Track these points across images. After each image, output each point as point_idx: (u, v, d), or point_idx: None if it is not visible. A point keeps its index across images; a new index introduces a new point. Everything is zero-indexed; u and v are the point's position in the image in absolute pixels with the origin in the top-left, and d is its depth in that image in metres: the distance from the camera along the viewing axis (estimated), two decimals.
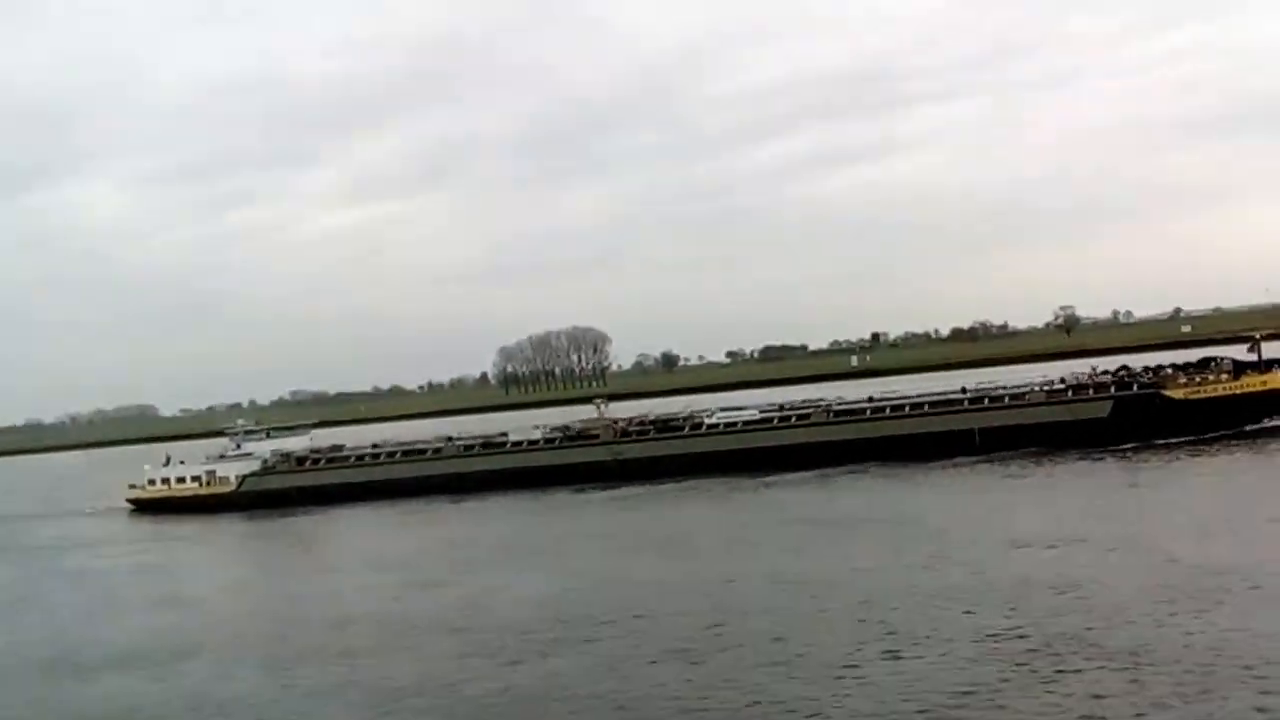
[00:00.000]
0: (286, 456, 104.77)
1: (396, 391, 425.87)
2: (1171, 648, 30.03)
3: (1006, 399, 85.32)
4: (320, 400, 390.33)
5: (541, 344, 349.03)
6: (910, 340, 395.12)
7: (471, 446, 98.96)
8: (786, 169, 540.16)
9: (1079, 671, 28.86)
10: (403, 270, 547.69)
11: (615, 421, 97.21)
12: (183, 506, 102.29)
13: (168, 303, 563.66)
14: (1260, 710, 25.18)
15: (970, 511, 58.12)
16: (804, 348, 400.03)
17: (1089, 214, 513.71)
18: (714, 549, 54.62)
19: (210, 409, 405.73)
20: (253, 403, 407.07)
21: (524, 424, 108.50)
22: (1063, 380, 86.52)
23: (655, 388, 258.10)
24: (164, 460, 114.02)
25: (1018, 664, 30.12)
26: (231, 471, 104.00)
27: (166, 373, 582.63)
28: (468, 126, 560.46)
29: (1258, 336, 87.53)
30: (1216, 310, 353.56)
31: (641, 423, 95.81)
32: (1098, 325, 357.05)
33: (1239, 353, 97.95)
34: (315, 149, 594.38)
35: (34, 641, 48.33)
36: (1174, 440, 75.68)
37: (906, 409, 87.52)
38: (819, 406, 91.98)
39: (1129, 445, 75.56)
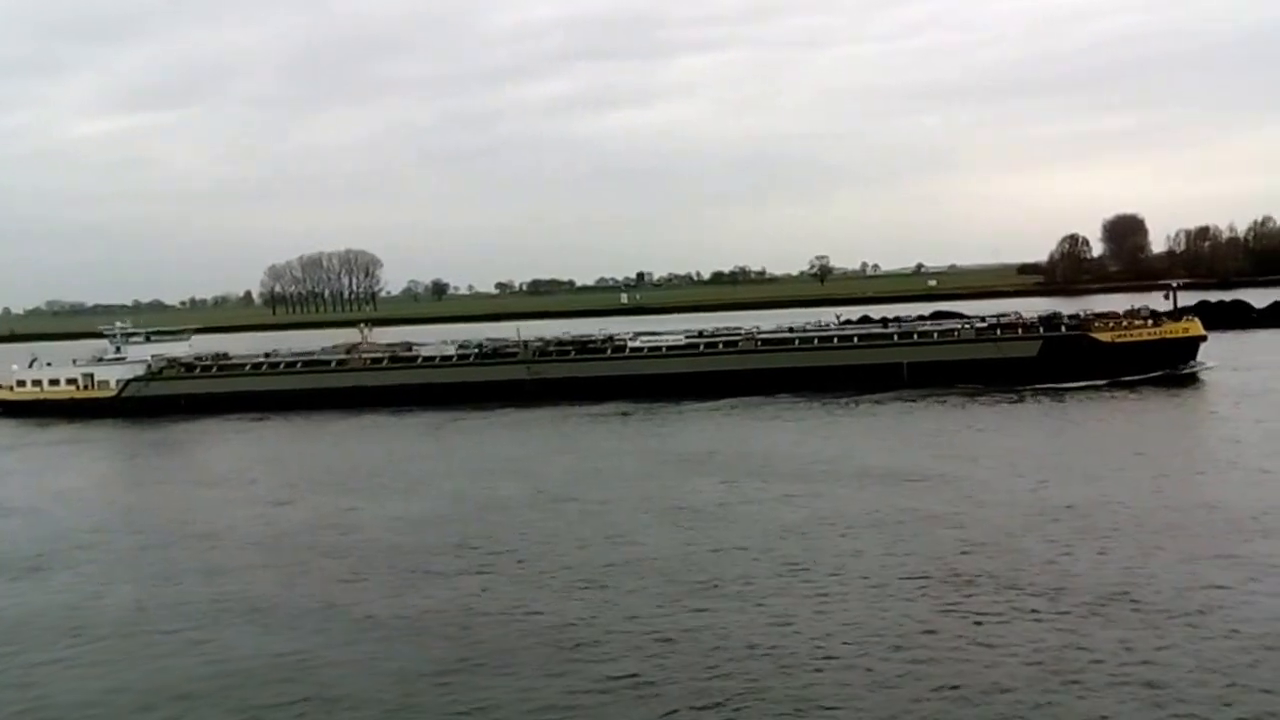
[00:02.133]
0: (173, 362, 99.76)
1: (157, 306, 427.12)
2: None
3: (935, 335, 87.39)
4: (79, 311, 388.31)
5: (312, 265, 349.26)
6: (674, 281, 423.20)
7: (379, 359, 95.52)
8: (556, 108, 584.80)
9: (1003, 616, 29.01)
10: (165, 184, 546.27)
11: (533, 340, 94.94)
12: (56, 410, 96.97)
13: None
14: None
15: (880, 445, 58.00)
16: (571, 283, 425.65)
17: (841, 171, 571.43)
18: (617, 475, 53.39)
19: None
20: (7, 310, 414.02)
21: (293, 344, 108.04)
22: (984, 319, 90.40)
23: (424, 314, 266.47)
24: (29, 361, 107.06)
25: (935, 598, 30.38)
26: (112, 376, 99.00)
27: None
28: (234, 43, 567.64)
29: (1174, 285, 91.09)
30: (952, 267, 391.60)
31: (560, 343, 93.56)
32: (847, 276, 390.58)
33: (978, 308, 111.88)
34: (69, 57, 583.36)
35: None
36: (1098, 382, 78.44)
37: (835, 341, 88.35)
38: (745, 335, 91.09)
39: (1056, 385, 77.92)
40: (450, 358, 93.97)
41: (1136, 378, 78.60)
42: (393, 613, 31.70)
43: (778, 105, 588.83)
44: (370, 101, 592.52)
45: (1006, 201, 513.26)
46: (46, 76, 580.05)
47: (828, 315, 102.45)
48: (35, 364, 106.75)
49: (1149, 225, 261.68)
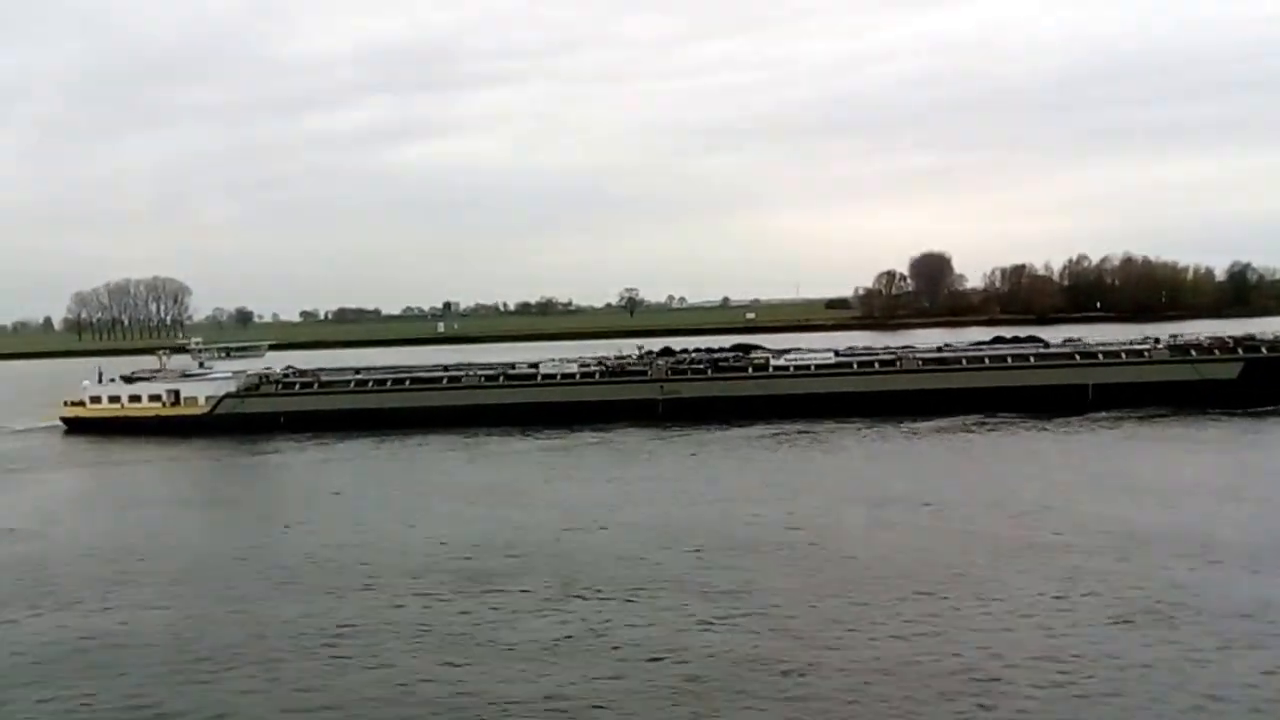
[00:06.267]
0: (267, 378, 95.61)
1: None
2: None
3: (1123, 355, 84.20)
4: None
5: (120, 292, 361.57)
6: (480, 311, 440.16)
7: (494, 376, 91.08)
8: (355, 138, 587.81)
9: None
10: None
11: (660, 357, 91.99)
12: (141, 428, 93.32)
13: None
14: None
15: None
16: (377, 312, 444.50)
17: (645, 205, 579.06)
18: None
19: None
20: None
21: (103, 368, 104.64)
22: (1158, 339, 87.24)
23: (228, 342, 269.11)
24: (98, 376, 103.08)
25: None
26: (201, 392, 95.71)
27: None
28: (13, 66, 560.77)
29: None
30: (755, 302, 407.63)
31: (694, 361, 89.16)
32: (654, 309, 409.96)
33: (790, 340, 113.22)
34: None
35: None
36: None
37: (1009, 360, 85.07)
38: (901, 354, 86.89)
39: (1263, 409, 75.21)
40: (572, 375, 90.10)
41: None
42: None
43: (580, 140, 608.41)
44: (164, 127, 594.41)
45: (806, 238, 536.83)
46: None
47: (637, 345, 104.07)
48: (102, 379, 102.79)
49: (956, 263, 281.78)
